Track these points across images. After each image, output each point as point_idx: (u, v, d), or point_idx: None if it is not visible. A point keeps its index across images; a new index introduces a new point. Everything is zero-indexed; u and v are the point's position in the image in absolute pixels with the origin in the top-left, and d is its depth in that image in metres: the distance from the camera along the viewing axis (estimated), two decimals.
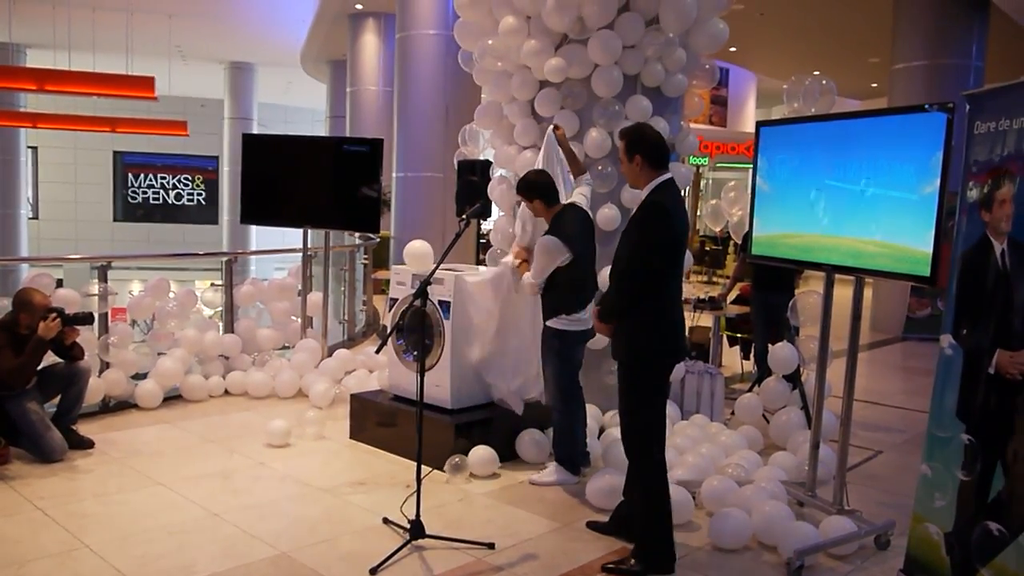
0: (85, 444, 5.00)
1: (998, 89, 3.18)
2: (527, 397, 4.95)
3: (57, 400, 5.06)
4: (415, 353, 5.04)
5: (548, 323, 4.53)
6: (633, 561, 3.56)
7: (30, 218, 22.41)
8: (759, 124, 4.42)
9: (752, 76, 20.46)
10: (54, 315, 4.75)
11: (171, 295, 6.74)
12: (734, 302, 7.38)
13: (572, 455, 4.62)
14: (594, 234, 4.69)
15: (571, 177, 4.89)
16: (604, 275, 5.19)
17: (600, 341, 5.20)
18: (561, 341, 4.52)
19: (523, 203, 4.72)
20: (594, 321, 3.78)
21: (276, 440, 5.17)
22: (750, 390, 6.07)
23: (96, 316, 5.50)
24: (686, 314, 7.91)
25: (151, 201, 26.56)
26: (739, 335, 7.77)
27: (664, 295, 3.60)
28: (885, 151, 3.64)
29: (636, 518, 3.63)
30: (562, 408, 4.59)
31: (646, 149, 3.62)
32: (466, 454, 4.71)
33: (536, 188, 4.57)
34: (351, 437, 5.36)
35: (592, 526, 4.01)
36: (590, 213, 4.69)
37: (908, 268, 3.56)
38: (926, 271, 3.45)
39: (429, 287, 3.88)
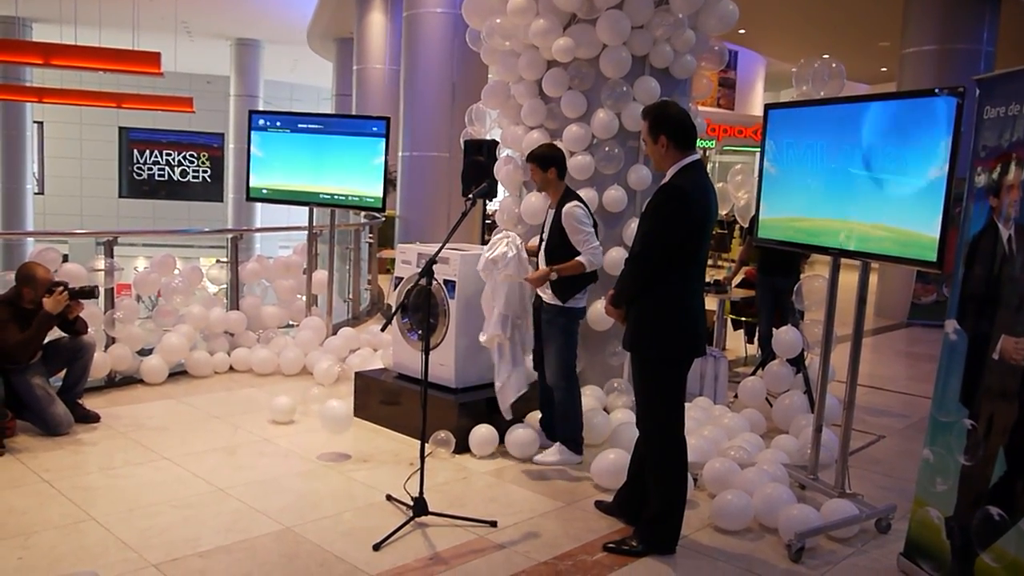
0: (91, 418, 5.04)
1: (1008, 74, 3.16)
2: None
3: (62, 374, 5.09)
4: (420, 332, 5.06)
5: (557, 301, 4.48)
6: (635, 542, 3.59)
7: (36, 193, 22.45)
8: (767, 107, 4.40)
9: (761, 59, 20.32)
10: (61, 288, 4.77)
11: (176, 271, 6.76)
12: (739, 285, 7.38)
13: (576, 434, 4.64)
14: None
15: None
16: (611, 256, 5.21)
17: (604, 322, 5.22)
18: (567, 318, 4.53)
19: (532, 177, 4.65)
20: (605, 305, 3.68)
21: (280, 417, 5.20)
22: (754, 373, 6.08)
23: (101, 290, 5.51)
24: None
25: (156, 177, 26.55)
26: (744, 318, 7.77)
27: (679, 284, 3.46)
28: (894, 135, 3.62)
29: (650, 498, 3.61)
30: (565, 386, 4.57)
31: (672, 129, 3.46)
32: (469, 433, 4.73)
33: (552, 159, 4.56)
34: (355, 415, 5.38)
35: (599, 505, 4.04)
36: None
37: (914, 253, 3.54)
38: (932, 256, 3.44)
39: (435, 266, 3.88)
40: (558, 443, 4.63)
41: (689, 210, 3.39)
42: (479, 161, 6.20)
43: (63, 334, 5.07)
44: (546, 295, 4.52)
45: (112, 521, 3.67)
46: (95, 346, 5.25)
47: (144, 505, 3.86)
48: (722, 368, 5.81)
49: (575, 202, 4.46)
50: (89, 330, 5.16)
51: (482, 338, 4.61)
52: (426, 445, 3.86)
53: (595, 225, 4.54)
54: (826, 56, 5.16)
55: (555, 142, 5.36)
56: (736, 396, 5.78)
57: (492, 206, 9.62)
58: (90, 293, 5.01)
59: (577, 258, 4.38)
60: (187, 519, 3.74)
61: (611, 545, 3.60)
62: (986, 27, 10.21)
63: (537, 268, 4.60)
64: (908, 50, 10.60)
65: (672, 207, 3.39)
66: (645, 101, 5.26)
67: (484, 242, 7.48)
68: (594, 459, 4.36)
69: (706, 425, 4.95)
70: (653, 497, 3.60)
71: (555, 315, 4.52)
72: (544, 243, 4.57)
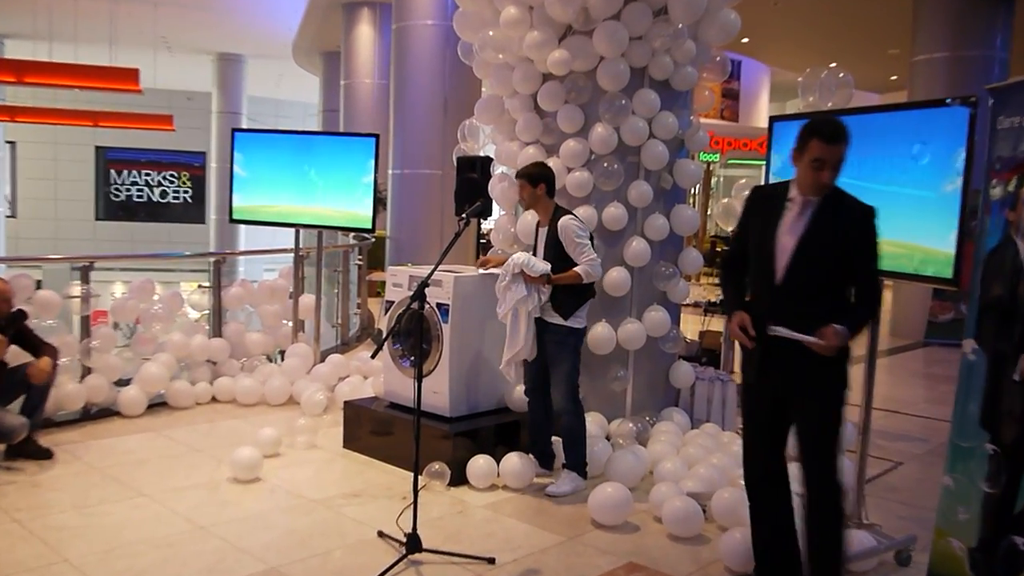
0: (42, 454, 4.91)
1: (1023, 82, 3.18)
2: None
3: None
4: (412, 358, 5.05)
5: (566, 321, 4.58)
6: None
7: (8, 216, 22.48)
8: (773, 119, 4.44)
9: (765, 69, 20.46)
10: None
11: (156, 297, 6.75)
12: None
13: (583, 459, 4.69)
14: None
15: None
16: (612, 277, 5.22)
17: (606, 345, 5.23)
18: (577, 338, 4.64)
19: (520, 193, 4.73)
20: (827, 340, 3.04)
21: (266, 449, 5.17)
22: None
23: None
24: (696, 318, 7.87)
25: (135, 199, 26.60)
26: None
27: None
28: (905, 147, 3.65)
29: (824, 556, 3.24)
30: (574, 410, 4.64)
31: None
32: (464, 464, 4.71)
33: (542, 176, 4.68)
34: (344, 446, 5.37)
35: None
36: None
37: (930, 270, 3.56)
38: (948, 272, 3.45)
39: (427, 289, 3.88)
40: (566, 470, 4.67)
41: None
42: (473, 179, 6.22)
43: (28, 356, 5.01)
44: (548, 314, 4.61)
45: (88, 563, 3.64)
46: (56, 372, 5.10)
47: (122, 545, 3.83)
48: (730, 392, 5.80)
49: (570, 215, 4.62)
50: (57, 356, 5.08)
51: (499, 312, 4.69)
52: (419, 478, 3.84)
53: (592, 239, 4.65)
54: (833, 65, 5.20)
55: (552, 158, 5.40)
56: None
57: (487, 225, 9.65)
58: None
59: (574, 268, 4.50)
60: (167, 559, 3.70)
61: None
62: (1000, 32, 10.29)
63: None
64: (918, 58, 10.68)
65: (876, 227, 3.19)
66: (645, 114, 5.29)
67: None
68: (591, 493, 4.33)
69: (715, 453, 4.93)
70: (830, 553, 3.23)
71: (565, 335, 4.60)
72: None
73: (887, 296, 5.20)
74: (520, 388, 5.02)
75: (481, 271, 5.09)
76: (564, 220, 4.57)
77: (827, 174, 3.13)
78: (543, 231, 4.72)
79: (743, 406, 3.50)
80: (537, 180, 4.66)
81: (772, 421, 3.36)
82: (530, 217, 5.37)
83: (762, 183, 4.64)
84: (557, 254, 4.57)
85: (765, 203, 3.35)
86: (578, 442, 4.68)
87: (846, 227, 3.15)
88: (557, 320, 4.60)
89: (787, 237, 3.20)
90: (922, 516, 4.34)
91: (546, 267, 4.55)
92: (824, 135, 3.13)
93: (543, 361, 4.69)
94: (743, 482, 4.41)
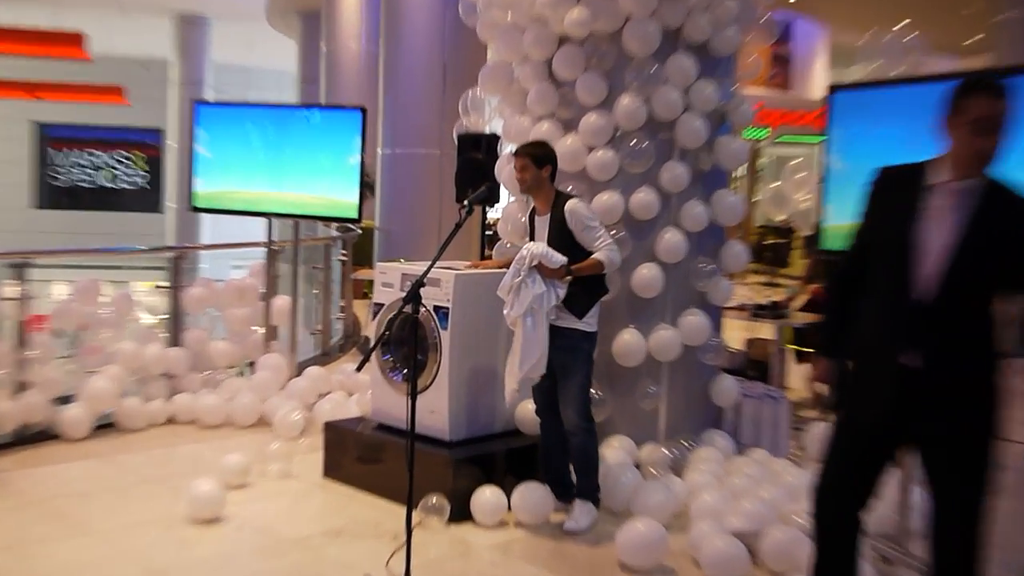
0: None
1: None
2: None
3: None
4: (405, 371, 5.04)
5: (579, 325, 4.60)
6: None
7: None
8: (833, 88, 4.41)
9: (822, 29, 20.43)
10: None
11: (104, 299, 6.76)
12: (803, 309, 7.35)
13: (596, 484, 4.70)
14: None
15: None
16: (641, 274, 5.21)
17: (634, 355, 5.21)
18: (591, 343, 4.68)
19: (522, 175, 4.72)
20: None
21: (232, 479, 5.17)
22: (823, 418, 6.05)
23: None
24: (742, 322, 7.87)
25: (79, 184, 26.72)
26: (809, 350, 7.73)
27: None
28: None
29: None
30: (587, 427, 4.65)
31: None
32: (466, 496, 4.70)
33: (548, 158, 4.73)
34: (324, 475, 5.37)
35: None
36: None
37: None
38: None
39: (422, 290, 3.87)
40: (579, 501, 4.68)
41: None
42: (476, 159, 6.22)
43: None
44: (559, 317, 4.61)
45: None
46: None
47: None
48: (783, 412, 5.78)
49: (576, 199, 4.69)
50: None
51: (508, 315, 4.59)
52: (414, 513, 3.83)
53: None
54: (903, 23, 5.18)
55: (570, 135, 5.40)
56: (801, 447, 5.73)
57: (493, 214, 9.64)
58: None
59: (594, 256, 4.53)
60: None
61: None
62: None
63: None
64: (1001, 16, 10.63)
65: None
66: (679, 83, 5.28)
67: (485, 258, 7.51)
68: (619, 530, 4.31)
69: (764, 484, 4.91)
70: None
71: (578, 340, 4.62)
72: None
73: None
74: (531, 406, 5.00)
75: (474, 272, 5.07)
76: (572, 204, 4.61)
77: (993, 140, 2.87)
78: (541, 220, 4.74)
79: (838, 440, 3.23)
80: (543, 161, 4.69)
81: (879, 466, 3.19)
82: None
83: (817, 164, 4.62)
84: (563, 244, 4.58)
85: (896, 190, 3.10)
86: (591, 466, 4.70)
87: (1013, 224, 2.89)
88: (570, 323, 4.60)
89: (934, 236, 2.91)
90: (1012, 559, 4.31)
91: (564, 258, 4.54)
92: (988, 89, 2.89)
93: (554, 374, 4.68)
94: (801, 519, 4.40)
